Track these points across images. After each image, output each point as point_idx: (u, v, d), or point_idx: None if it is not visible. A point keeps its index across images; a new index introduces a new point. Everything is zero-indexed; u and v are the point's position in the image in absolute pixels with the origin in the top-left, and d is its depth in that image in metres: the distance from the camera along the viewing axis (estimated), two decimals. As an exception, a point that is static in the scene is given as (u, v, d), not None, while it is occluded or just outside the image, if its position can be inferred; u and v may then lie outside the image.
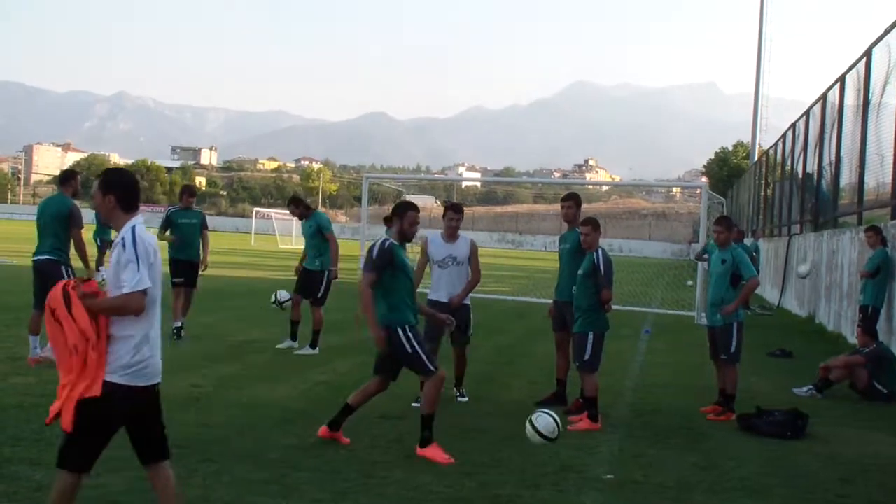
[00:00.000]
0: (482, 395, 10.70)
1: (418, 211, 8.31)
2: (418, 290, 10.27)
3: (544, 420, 7.47)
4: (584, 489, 7.01)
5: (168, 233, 13.94)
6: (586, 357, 9.40)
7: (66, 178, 11.84)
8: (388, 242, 7.99)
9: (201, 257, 14.15)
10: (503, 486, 6.95)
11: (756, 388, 11.84)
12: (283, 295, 14.32)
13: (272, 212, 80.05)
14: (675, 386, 11.98)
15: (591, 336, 9.41)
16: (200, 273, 14.22)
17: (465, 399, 10.38)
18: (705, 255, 12.31)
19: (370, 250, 8.00)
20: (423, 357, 7.81)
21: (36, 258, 11.13)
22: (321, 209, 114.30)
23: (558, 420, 7.50)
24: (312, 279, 13.34)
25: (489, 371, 12.52)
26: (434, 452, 7.64)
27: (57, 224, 11.06)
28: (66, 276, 10.52)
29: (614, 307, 9.98)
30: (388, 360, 7.98)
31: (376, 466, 7.30)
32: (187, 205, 14.28)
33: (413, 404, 10.23)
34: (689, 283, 28.97)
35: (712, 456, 8.36)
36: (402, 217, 8.15)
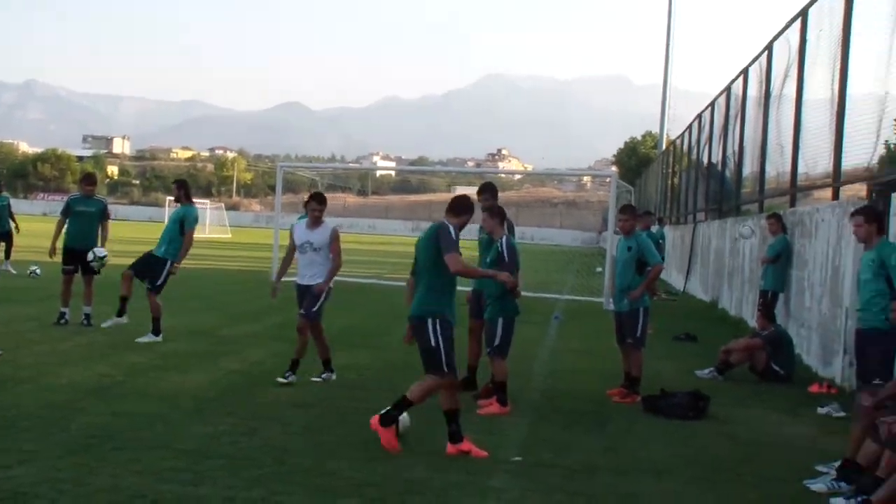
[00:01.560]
0: (393, 382, 10.69)
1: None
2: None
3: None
4: (493, 472, 7.07)
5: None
6: (496, 342, 9.48)
7: None
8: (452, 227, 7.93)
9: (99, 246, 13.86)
10: (413, 469, 6.98)
11: (661, 370, 12.06)
12: (100, 252, 13.82)
13: (186, 201, 78.84)
14: (583, 370, 12.15)
15: (500, 322, 9.49)
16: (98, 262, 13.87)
17: (320, 380, 10.44)
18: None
19: (443, 231, 7.93)
20: (443, 355, 7.72)
21: None
22: (235, 198, 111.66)
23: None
24: (154, 264, 12.97)
25: (402, 358, 12.51)
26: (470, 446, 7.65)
27: None
28: None
29: (525, 294, 10.09)
30: None
31: (288, 453, 7.27)
32: (87, 193, 14.00)
33: (313, 378, 10.46)
34: (599, 269, 29.32)
35: (618, 438, 8.51)
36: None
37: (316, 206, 10.48)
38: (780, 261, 14.30)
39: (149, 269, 12.98)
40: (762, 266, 14.87)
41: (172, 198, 13.55)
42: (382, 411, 7.73)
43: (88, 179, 14.42)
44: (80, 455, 6.86)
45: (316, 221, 10.49)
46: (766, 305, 13.31)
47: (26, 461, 6.63)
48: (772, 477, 7.36)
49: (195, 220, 13.28)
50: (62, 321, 13.56)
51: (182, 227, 12.99)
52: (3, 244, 21.82)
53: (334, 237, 10.51)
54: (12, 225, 21.99)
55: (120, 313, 13.10)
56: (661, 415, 9.45)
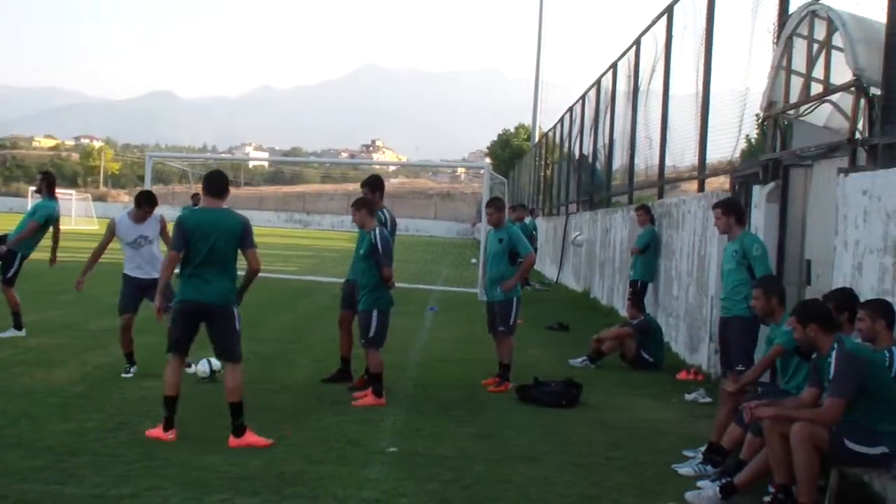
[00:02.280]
0: (268, 373, 10.61)
1: None
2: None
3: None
4: (368, 463, 7.08)
5: None
6: (371, 334, 9.45)
7: None
8: None
9: None
10: (288, 463, 6.93)
11: (534, 359, 12.24)
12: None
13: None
14: (457, 360, 12.24)
15: (375, 313, 9.46)
16: None
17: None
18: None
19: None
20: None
21: None
22: (102, 188, 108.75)
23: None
24: (5, 256, 12.41)
25: (276, 349, 12.43)
26: None
27: None
28: None
29: (400, 285, 10.11)
30: None
31: (158, 448, 7.14)
32: None
33: (187, 370, 10.13)
34: (473, 261, 29.55)
35: (492, 426, 8.61)
36: None
37: (147, 208, 10.36)
38: (648, 251, 14.65)
39: (5, 264, 12.45)
40: (631, 256, 15.22)
41: (35, 188, 12.92)
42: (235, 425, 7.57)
43: None
44: (-63, 455, 6.61)
45: (142, 219, 10.35)
46: (636, 295, 13.64)
47: None
48: (641, 461, 7.55)
49: (47, 216, 12.46)
50: None
51: (46, 226, 12.44)
52: None
53: (164, 226, 10.46)
54: None
55: None
56: (535, 403, 9.60)
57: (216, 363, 9.82)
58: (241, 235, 7.75)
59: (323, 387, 10.01)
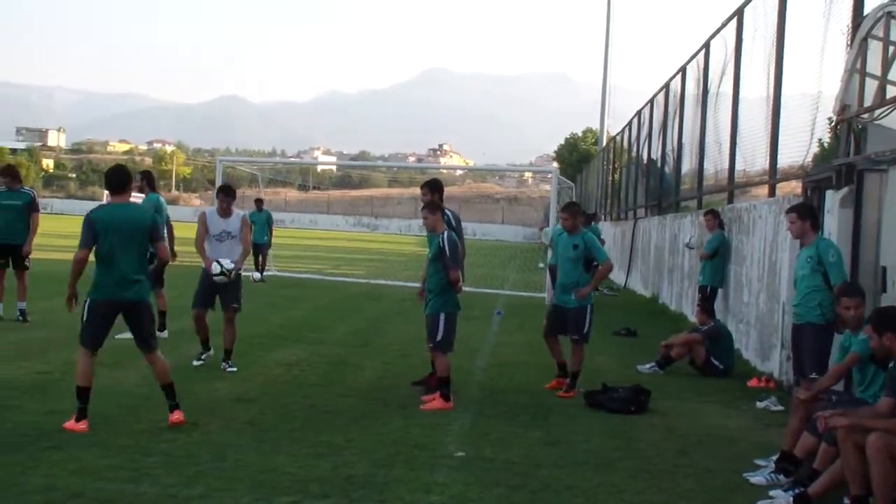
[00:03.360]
0: (336, 377, 10.68)
1: None
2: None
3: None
4: (435, 467, 7.08)
5: None
6: (439, 338, 9.47)
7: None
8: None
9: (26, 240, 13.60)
10: (356, 465, 6.97)
11: (602, 365, 12.17)
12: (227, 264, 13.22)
13: (124, 195, 77.66)
14: (524, 364, 12.20)
15: (442, 317, 9.48)
16: (26, 256, 13.67)
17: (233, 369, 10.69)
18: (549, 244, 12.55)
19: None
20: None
21: None
22: (174, 192, 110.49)
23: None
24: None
25: (343, 353, 12.50)
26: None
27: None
28: None
29: (466, 289, 10.11)
30: None
31: (229, 449, 7.22)
32: (10, 186, 13.69)
33: (195, 362, 10.81)
34: (541, 265, 29.47)
35: (559, 431, 8.56)
36: None
37: (224, 197, 10.97)
38: (716, 257, 14.47)
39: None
40: (700, 262, 15.05)
41: (136, 188, 13.26)
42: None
43: (7, 172, 14.00)
44: (13, 454, 6.76)
45: (225, 212, 10.95)
46: (705, 300, 13.48)
47: (-41, 459, 6.52)
48: (711, 469, 7.46)
49: (155, 208, 12.80)
50: (21, 318, 13.33)
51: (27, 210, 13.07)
52: None
53: (246, 224, 11.07)
54: None
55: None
56: (603, 409, 9.53)
57: (227, 263, 10.65)
58: (150, 229, 8.01)
59: (390, 390, 10.05)
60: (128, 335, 12.42)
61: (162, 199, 13.00)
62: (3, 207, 13.45)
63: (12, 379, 9.41)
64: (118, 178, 8.13)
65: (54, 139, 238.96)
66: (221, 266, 10.65)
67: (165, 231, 12.71)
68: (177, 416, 7.90)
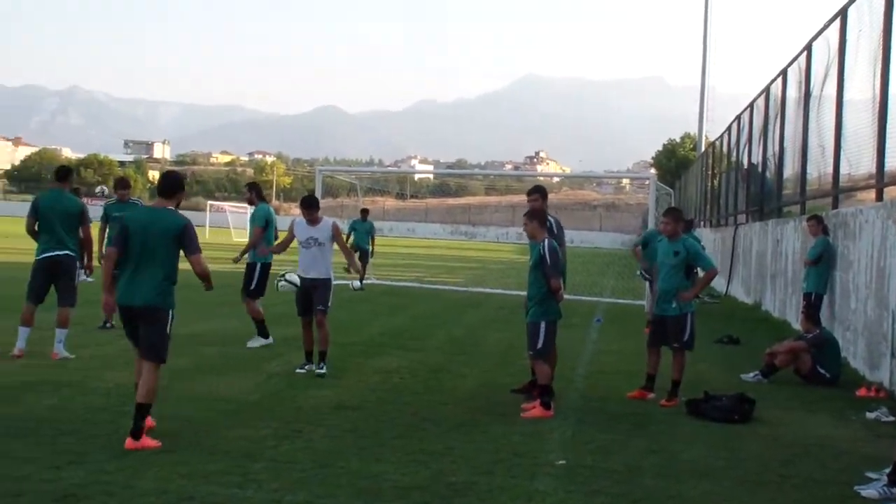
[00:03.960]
0: (436, 384, 10.73)
1: None
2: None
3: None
4: (536, 475, 7.06)
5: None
6: (539, 346, 9.45)
7: (66, 174, 11.89)
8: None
9: None
10: (457, 473, 6.98)
11: (704, 373, 11.99)
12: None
13: (226, 205, 79.38)
14: (624, 372, 12.08)
15: (543, 325, 9.46)
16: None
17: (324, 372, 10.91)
18: (638, 248, 12.41)
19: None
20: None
21: (53, 253, 11.20)
22: (275, 203, 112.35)
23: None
24: (248, 271, 13.31)
25: (442, 361, 12.55)
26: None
27: (68, 221, 11.30)
28: (80, 272, 11.65)
29: (567, 296, 10.07)
30: None
31: (332, 456, 7.30)
32: (122, 198, 14.13)
33: (317, 371, 10.93)
34: (639, 272, 29.19)
35: (661, 440, 8.46)
36: None
37: (304, 210, 11.24)
38: (821, 263, 14.15)
39: (246, 276, 13.24)
40: (805, 268, 14.73)
41: (246, 200, 13.73)
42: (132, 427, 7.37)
43: (123, 184, 14.58)
44: (126, 458, 6.94)
45: (311, 221, 11.21)
46: (810, 308, 13.18)
47: (75, 462, 6.73)
48: (818, 480, 7.28)
49: (266, 217, 13.22)
50: (107, 325, 13.68)
51: (267, 228, 13.18)
52: None
53: (337, 231, 11.26)
54: None
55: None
56: (705, 417, 9.39)
57: (292, 276, 11.15)
58: (179, 236, 7.61)
59: (490, 398, 10.05)
60: (258, 342, 12.77)
61: (271, 209, 13.37)
62: (114, 219, 13.83)
63: (123, 385, 9.64)
64: (165, 182, 8.03)
65: (159, 151, 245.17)
66: (288, 280, 11.42)
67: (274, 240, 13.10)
68: (129, 442, 7.28)
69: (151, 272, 7.52)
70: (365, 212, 25.37)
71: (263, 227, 13.11)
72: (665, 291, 10.43)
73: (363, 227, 24.45)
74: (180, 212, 7.89)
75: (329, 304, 11.20)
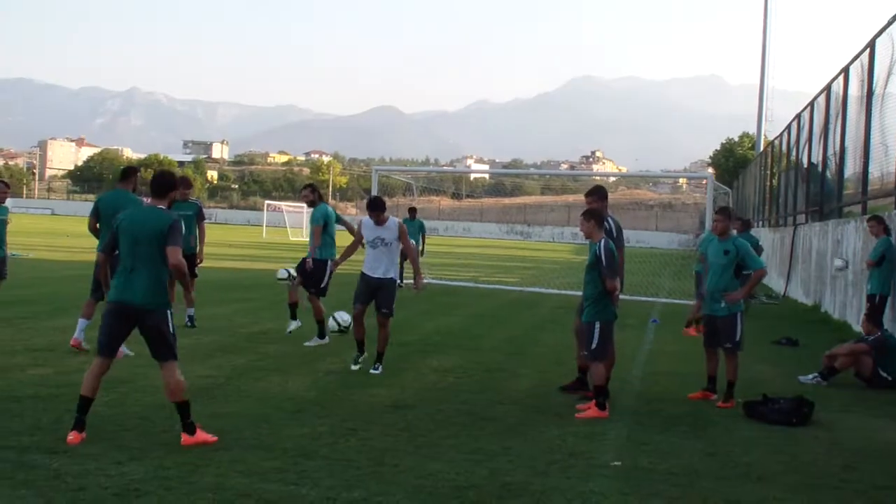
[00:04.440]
0: (491, 384, 10.71)
1: None
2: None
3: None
4: (592, 476, 7.02)
5: None
6: (593, 346, 9.40)
7: (129, 174, 12.05)
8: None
9: (197, 249, 14.18)
10: (513, 473, 6.96)
11: (761, 375, 11.84)
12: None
13: (283, 204, 80.00)
14: (681, 374, 11.97)
15: (597, 326, 9.41)
16: (198, 265, 14.22)
17: (378, 372, 11.04)
18: (702, 255, 12.31)
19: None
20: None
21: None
22: (331, 202, 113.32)
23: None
24: (315, 269, 13.29)
25: (498, 360, 12.54)
26: None
27: None
28: None
29: (622, 297, 9.99)
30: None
31: (387, 454, 7.32)
32: (183, 197, 14.26)
33: (352, 366, 11.16)
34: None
35: (718, 443, 8.36)
36: None
37: (371, 212, 11.32)
38: (883, 264, 13.90)
39: (311, 275, 13.25)
40: (867, 269, 14.48)
41: (307, 201, 13.72)
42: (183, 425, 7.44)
43: (185, 183, 14.72)
44: (184, 454, 7.01)
45: (378, 221, 11.31)
46: (873, 310, 12.95)
47: (135, 458, 6.81)
48: (880, 486, 7.15)
49: (325, 216, 13.31)
50: (189, 324, 13.85)
51: (327, 227, 13.27)
52: None
53: (403, 231, 11.38)
54: None
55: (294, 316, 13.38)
56: (763, 420, 9.26)
57: (343, 317, 11.81)
58: (166, 234, 7.49)
59: (545, 398, 10.02)
60: (315, 342, 12.85)
61: (330, 209, 13.45)
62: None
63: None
64: (158, 181, 7.91)
65: (218, 151, 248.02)
66: (339, 324, 12.66)
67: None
68: (185, 438, 7.38)
69: (145, 272, 7.46)
70: (413, 210, 25.37)
71: (323, 226, 13.20)
72: (714, 291, 10.34)
73: (412, 226, 24.45)
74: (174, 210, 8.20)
75: (393, 306, 11.28)
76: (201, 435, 7.41)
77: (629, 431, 8.63)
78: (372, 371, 10.98)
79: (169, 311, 7.51)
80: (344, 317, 12.61)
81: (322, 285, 13.23)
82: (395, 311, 11.32)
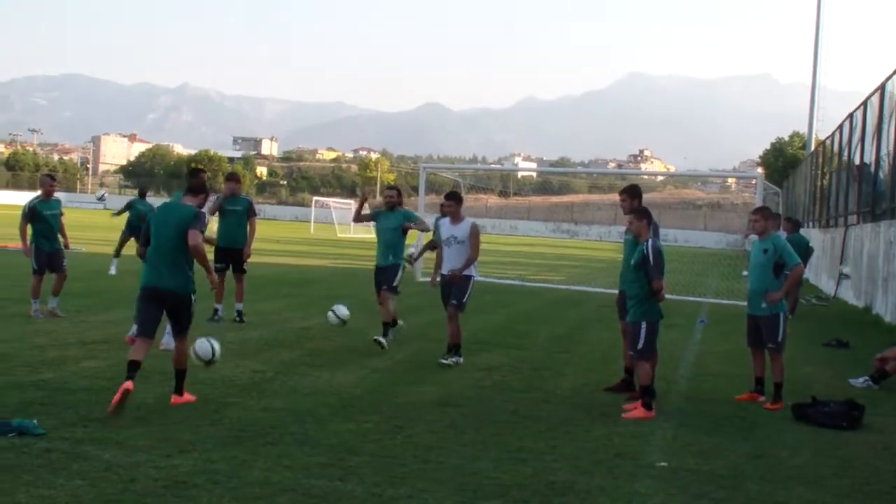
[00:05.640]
0: (537, 382, 10.70)
1: None
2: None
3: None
4: (637, 476, 6.98)
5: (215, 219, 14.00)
6: (640, 346, 9.35)
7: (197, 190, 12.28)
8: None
9: (246, 244, 14.21)
10: (557, 472, 6.95)
11: (810, 378, 11.70)
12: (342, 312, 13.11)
13: (331, 201, 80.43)
14: (728, 375, 11.86)
15: (644, 325, 9.35)
16: (246, 260, 14.26)
17: (447, 363, 11.36)
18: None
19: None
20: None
21: None
22: (379, 199, 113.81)
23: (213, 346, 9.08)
24: (389, 273, 12.81)
25: (544, 359, 12.51)
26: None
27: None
28: None
29: (668, 296, 9.93)
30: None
31: (432, 452, 7.33)
32: (233, 193, 14.32)
33: (442, 361, 11.39)
34: (745, 273, 28.62)
35: (765, 444, 8.29)
36: None
37: (447, 202, 11.78)
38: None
39: (389, 273, 12.82)
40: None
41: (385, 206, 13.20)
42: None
43: (235, 179, 14.82)
44: (232, 448, 7.08)
45: (453, 217, 11.76)
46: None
47: (184, 451, 6.89)
48: (932, 491, 7.04)
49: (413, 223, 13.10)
50: (215, 318, 13.94)
51: (405, 232, 12.93)
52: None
53: (474, 232, 11.67)
54: None
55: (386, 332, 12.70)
56: (812, 423, 9.15)
57: (341, 311, 12.30)
58: (189, 222, 8.56)
59: (591, 397, 9.98)
60: (387, 338, 12.68)
61: (411, 212, 13.54)
62: (226, 213, 14.12)
63: (231, 377, 9.88)
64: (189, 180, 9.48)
65: (267, 148, 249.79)
66: (338, 317, 12.71)
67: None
68: (174, 398, 8.60)
69: (173, 261, 8.53)
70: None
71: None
72: (754, 291, 10.26)
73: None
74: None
75: (465, 299, 11.64)
76: (186, 396, 8.63)
77: (676, 432, 8.58)
78: (442, 361, 11.32)
79: (193, 296, 8.65)
80: (343, 311, 12.75)
81: (395, 283, 12.76)
82: (465, 307, 11.72)
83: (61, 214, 14.14)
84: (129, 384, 7.96)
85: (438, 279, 12.15)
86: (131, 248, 14.39)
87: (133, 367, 8.17)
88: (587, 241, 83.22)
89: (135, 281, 12.15)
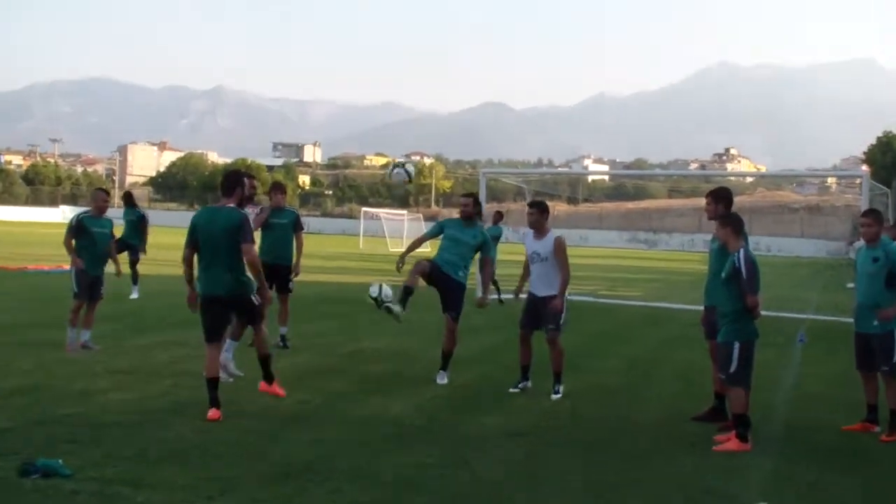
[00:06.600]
0: (613, 409, 10.61)
1: None
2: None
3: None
4: (734, 517, 6.88)
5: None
6: (732, 369, 9.19)
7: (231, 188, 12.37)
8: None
9: (294, 261, 14.17)
10: (639, 509, 6.88)
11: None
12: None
13: (381, 212, 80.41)
14: (834, 399, 11.68)
15: (736, 346, 9.19)
16: (293, 278, 14.19)
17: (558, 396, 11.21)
18: None
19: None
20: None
21: None
22: (434, 208, 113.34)
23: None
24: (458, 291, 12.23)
25: (619, 383, 12.42)
26: None
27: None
28: None
29: (764, 313, 9.77)
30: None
31: (500, 488, 7.29)
32: (277, 204, 14.26)
33: (511, 389, 11.33)
34: (850, 285, 28.21)
35: (880, 481, 8.13)
36: None
37: (530, 210, 11.43)
38: None
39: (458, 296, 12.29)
40: None
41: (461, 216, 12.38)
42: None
43: (280, 189, 14.66)
44: (279, 485, 7.09)
45: (537, 229, 11.37)
46: None
47: (227, 490, 6.89)
48: None
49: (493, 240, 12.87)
50: (282, 344, 13.88)
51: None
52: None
53: (559, 248, 11.25)
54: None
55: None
56: (933, 455, 8.96)
57: (385, 291, 11.80)
58: (237, 230, 9.21)
59: (676, 427, 9.87)
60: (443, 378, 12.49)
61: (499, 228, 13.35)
62: (271, 226, 14.05)
63: (275, 406, 9.89)
64: (223, 181, 9.69)
65: (310, 154, 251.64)
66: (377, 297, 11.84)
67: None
68: (262, 385, 10.05)
69: (224, 266, 9.25)
70: (499, 214, 24.61)
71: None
72: (863, 305, 10.01)
73: (494, 233, 22.51)
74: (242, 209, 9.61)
75: (561, 322, 11.29)
76: (276, 387, 9.89)
77: (775, 466, 8.46)
78: (553, 396, 11.16)
79: (252, 294, 9.50)
80: (387, 291, 11.98)
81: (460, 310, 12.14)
82: (563, 328, 11.40)
83: (112, 236, 14.08)
84: (214, 413, 9.00)
85: (484, 299, 12.14)
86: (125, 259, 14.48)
87: (213, 386, 9.14)
88: (667, 251, 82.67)
89: (157, 303, 12.31)
